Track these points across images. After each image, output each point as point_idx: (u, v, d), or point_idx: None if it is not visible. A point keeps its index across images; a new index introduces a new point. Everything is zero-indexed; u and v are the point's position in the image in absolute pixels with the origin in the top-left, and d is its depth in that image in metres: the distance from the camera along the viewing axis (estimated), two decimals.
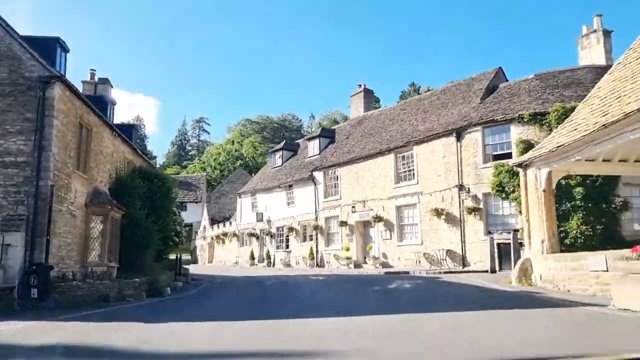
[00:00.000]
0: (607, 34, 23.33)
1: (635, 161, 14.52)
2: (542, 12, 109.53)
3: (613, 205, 18.87)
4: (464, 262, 22.16)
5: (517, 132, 21.01)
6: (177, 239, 24.70)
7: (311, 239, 31.53)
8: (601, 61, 22.77)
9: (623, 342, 6.54)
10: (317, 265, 30.44)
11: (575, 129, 12.70)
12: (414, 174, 25.06)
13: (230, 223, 42.24)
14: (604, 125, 10.82)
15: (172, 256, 23.02)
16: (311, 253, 30.70)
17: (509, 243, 19.11)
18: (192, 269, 31.74)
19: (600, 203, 18.92)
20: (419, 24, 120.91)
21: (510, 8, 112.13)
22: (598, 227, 18.63)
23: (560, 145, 12.57)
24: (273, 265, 34.20)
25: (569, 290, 12.33)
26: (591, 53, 23.39)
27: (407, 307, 10.50)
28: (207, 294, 16.71)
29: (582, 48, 23.95)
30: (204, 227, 47.63)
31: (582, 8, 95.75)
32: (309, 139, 36.45)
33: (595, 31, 23.49)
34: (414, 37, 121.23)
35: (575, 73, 22.43)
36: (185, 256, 49.93)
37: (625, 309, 8.60)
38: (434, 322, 8.53)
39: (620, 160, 14.45)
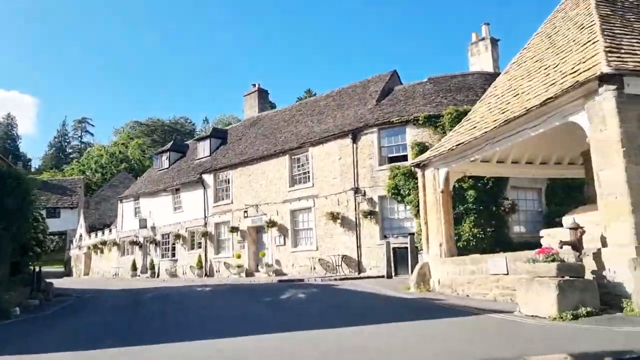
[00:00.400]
0: (494, 42, 24.13)
1: (526, 163, 14.53)
2: (435, 17, 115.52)
3: (502, 208, 19.18)
4: (359, 267, 21.45)
5: (412, 135, 20.78)
6: (40, 249, 21.29)
7: (200, 247, 29.31)
8: (489, 68, 23.45)
9: (542, 355, 5.69)
10: (206, 274, 28.28)
11: (475, 127, 12.26)
12: (309, 176, 24.02)
13: (110, 231, 38.43)
14: (506, 121, 10.37)
15: (40, 269, 19.73)
16: (199, 262, 28.45)
17: (405, 247, 18.66)
18: (63, 282, 28.15)
19: (491, 206, 19.15)
20: (313, 32, 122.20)
21: (404, 12, 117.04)
22: (489, 229, 18.82)
23: (461, 143, 12.05)
24: (157, 276, 31.37)
25: (467, 295, 11.78)
26: (480, 60, 24.03)
27: (301, 323, 9.17)
28: (69, 313, 14.17)
29: (472, 55, 24.56)
30: (80, 236, 43.02)
31: (473, 15, 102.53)
32: (199, 140, 34.15)
33: (483, 39, 24.20)
34: (308, 44, 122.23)
35: (466, 78, 22.81)
36: (58, 268, 44.92)
37: (533, 316, 7.96)
38: (334, 341, 7.25)
39: (512, 162, 14.38)
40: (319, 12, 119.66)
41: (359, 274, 21.03)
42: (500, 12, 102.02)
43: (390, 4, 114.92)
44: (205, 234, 28.67)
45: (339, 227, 22.29)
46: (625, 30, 9.92)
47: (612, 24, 10.06)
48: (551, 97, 9.01)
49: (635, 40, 9.57)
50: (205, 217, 29.06)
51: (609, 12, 10.57)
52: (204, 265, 28.46)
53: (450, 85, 22.41)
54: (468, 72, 23.75)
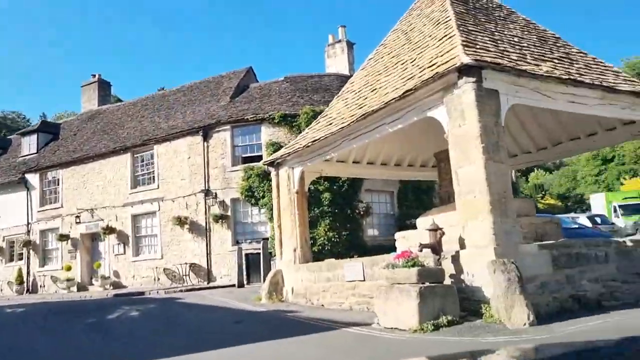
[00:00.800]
0: (350, 45, 24.12)
1: (381, 164, 14.22)
2: (292, 15, 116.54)
3: (357, 211, 18.91)
4: (209, 276, 19.72)
5: (267, 134, 19.70)
6: None
7: (21, 258, 25.06)
8: (345, 71, 23.31)
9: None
10: (28, 291, 24.16)
11: (331, 123, 11.44)
12: (154, 177, 21.66)
13: None
14: (363, 115, 9.62)
15: None
16: (20, 276, 24.21)
17: (259, 253, 17.41)
18: None
19: (346, 209, 18.79)
20: (165, 28, 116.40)
21: (261, 9, 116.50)
22: (344, 233, 18.42)
23: (317, 140, 11.12)
24: None
25: (323, 305, 10.85)
26: (336, 62, 23.85)
27: (123, 353, 7.34)
28: None
29: (329, 56, 24.32)
30: None
31: (330, 17, 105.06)
32: (25, 134, 29.29)
33: (340, 41, 24.08)
34: (160, 42, 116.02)
35: (322, 79, 22.40)
36: None
37: (392, 328, 7.15)
38: None
39: (368, 163, 13.97)
40: (172, 7, 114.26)
41: (208, 283, 19.30)
42: (358, 15, 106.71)
43: (248, 1, 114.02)
44: (27, 244, 24.51)
45: (187, 233, 20.32)
46: (478, 29, 9.80)
47: (466, 21, 9.89)
48: (411, 89, 8.41)
49: (487, 39, 9.46)
50: (28, 223, 24.90)
51: (462, 10, 10.45)
52: (25, 280, 24.28)
53: (307, 85, 21.81)
54: (325, 73, 23.42)
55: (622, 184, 41.30)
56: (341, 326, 7.88)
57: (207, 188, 20.11)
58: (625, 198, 30.97)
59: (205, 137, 20.44)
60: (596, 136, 12.27)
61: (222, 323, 9.66)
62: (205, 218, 20.01)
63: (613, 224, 23.75)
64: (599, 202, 32.56)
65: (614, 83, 9.73)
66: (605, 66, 10.95)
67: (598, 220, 22.71)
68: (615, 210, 28.45)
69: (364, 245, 18.55)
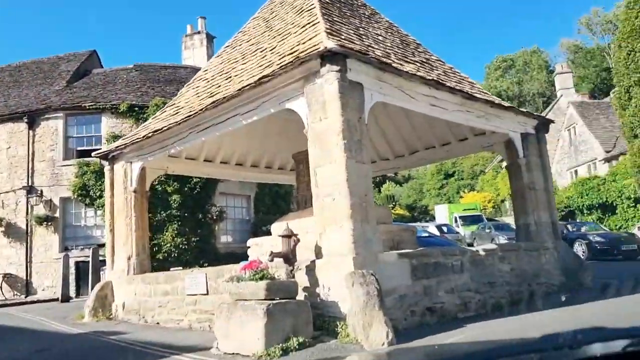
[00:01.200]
0: (210, 38, 22.66)
1: (236, 164, 13.04)
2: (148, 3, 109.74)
3: (209, 216, 17.41)
4: (28, 289, 16.69)
5: (109, 125, 17.36)
6: None
7: None
8: (204, 64, 21.72)
9: None
10: None
11: (178, 112, 10.00)
12: None
13: None
14: (214, 103, 8.34)
15: None
16: None
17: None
18: None
19: (197, 213, 17.19)
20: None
21: None
22: (194, 239, 16.77)
23: (159, 130, 9.55)
24: None
25: (158, 323, 9.29)
26: (194, 54, 22.23)
27: None
28: None
29: (186, 48, 22.61)
30: None
31: (188, 7, 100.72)
32: None
33: (199, 33, 22.49)
34: None
35: (177, 71, 20.59)
36: None
37: (234, 354, 5.96)
38: None
39: (222, 162, 12.68)
40: None
41: (26, 297, 16.29)
42: (222, 9, 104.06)
43: None
44: None
45: (2, 238, 17.03)
46: (343, 21, 9.15)
47: (331, 12, 9.18)
48: (268, 75, 7.36)
49: (352, 32, 8.83)
50: None
51: (327, 1, 9.74)
52: None
53: (160, 75, 19.83)
54: (181, 65, 21.60)
55: (461, 197, 45.09)
56: (173, 352, 6.47)
57: (30, 184, 17.05)
58: (465, 210, 33.57)
59: (32, 125, 17.38)
60: (450, 146, 12.41)
61: (17, 353, 7.57)
62: (27, 220, 16.93)
63: (458, 232, 25.30)
64: (442, 213, 34.91)
65: (471, 92, 9.73)
66: (461, 76, 11.05)
67: (445, 229, 23.95)
68: (456, 221, 30.58)
69: (216, 252, 17.12)
